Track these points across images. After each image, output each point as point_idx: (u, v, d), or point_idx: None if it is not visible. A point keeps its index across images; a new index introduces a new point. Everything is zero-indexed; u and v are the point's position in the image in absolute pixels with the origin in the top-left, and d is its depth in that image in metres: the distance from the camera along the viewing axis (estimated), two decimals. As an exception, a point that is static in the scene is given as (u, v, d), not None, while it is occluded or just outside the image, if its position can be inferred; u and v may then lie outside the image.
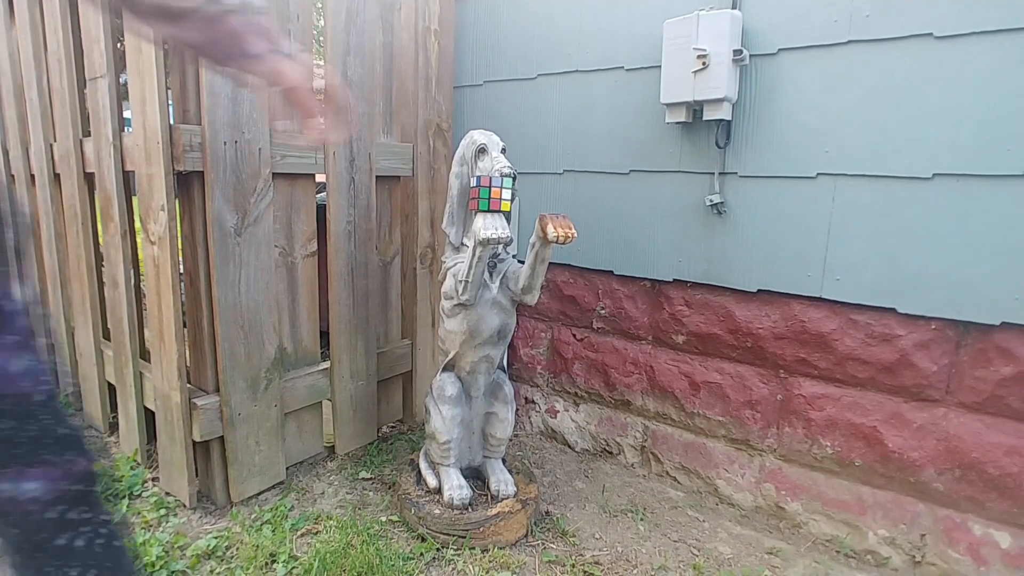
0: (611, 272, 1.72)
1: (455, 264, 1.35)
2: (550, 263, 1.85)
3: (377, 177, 1.74)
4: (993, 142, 1.17)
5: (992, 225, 1.19)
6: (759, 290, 1.48)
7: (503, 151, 1.30)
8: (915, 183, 1.26)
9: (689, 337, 1.61)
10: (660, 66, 1.50)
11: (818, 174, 1.37)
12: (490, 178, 1.19)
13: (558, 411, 1.92)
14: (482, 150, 1.28)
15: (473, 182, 1.22)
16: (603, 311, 1.77)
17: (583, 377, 1.85)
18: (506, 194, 1.19)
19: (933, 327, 1.28)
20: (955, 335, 1.27)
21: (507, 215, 1.23)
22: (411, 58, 1.82)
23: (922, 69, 1.23)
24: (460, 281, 1.25)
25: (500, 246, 1.31)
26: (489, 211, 1.18)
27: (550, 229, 1.13)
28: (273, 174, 1.48)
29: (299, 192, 1.58)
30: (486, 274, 1.33)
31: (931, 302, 1.27)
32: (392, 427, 2.00)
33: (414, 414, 2.01)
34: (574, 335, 1.85)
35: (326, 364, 1.70)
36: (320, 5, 1.57)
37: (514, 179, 1.22)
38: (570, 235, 1.13)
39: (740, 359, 1.54)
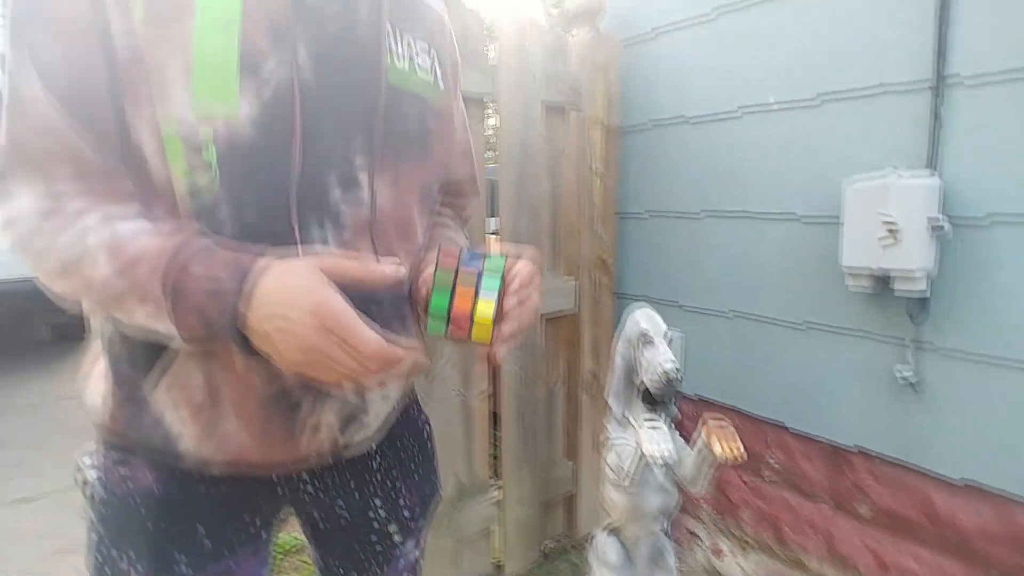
0: (783, 425, 1.64)
1: (620, 441, 1.39)
2: (714, 401, 1.81)
3: (543, 316, 1.85)
4: None
5: None
6: (965, 481, 1.31)
7: (669, 340, 1.31)
8: None
9: (876, 512, 1.47)
10: (839, 221, 1.40)
11: (1044, 363, 1.18)
12: (459, 256, 0.62)
13: (723, 552, 1.86)
14: (646, 339, 1.31)
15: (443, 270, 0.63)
16: (774, 463, 1.69)
17: (752, 525, 1.77)
18: (485, 305, 0.59)
19: None
20: None
21: (670, 417, 1.24)
22: (575, 198, 1.91)
23: None
24: (624, 473, 1.29)
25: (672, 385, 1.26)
26: (450, 334, 0.61)
27: (716, 447, 1.13)
28: (453, 333, 1.65)
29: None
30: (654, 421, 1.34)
31: None
32: (555, 541, 2.08)
33: (576, 530, 2.08)
34: (742, 479, 1.78)
35: (495, 492, 1.84)
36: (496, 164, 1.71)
37: (680, 378, 1.23)
38: (738, 456, 1.12)
39: (940, 549, 1.37)
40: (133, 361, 0.63)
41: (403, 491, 0.84)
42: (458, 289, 0.59)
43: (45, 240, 0.55)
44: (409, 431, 0.86)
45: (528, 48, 1.68)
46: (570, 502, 2.08)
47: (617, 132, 1.97)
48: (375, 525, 0.83)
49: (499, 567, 1.91)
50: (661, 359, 1.26)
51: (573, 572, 1.92)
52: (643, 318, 1.36)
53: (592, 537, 1.54)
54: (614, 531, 1.49)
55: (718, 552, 1.87)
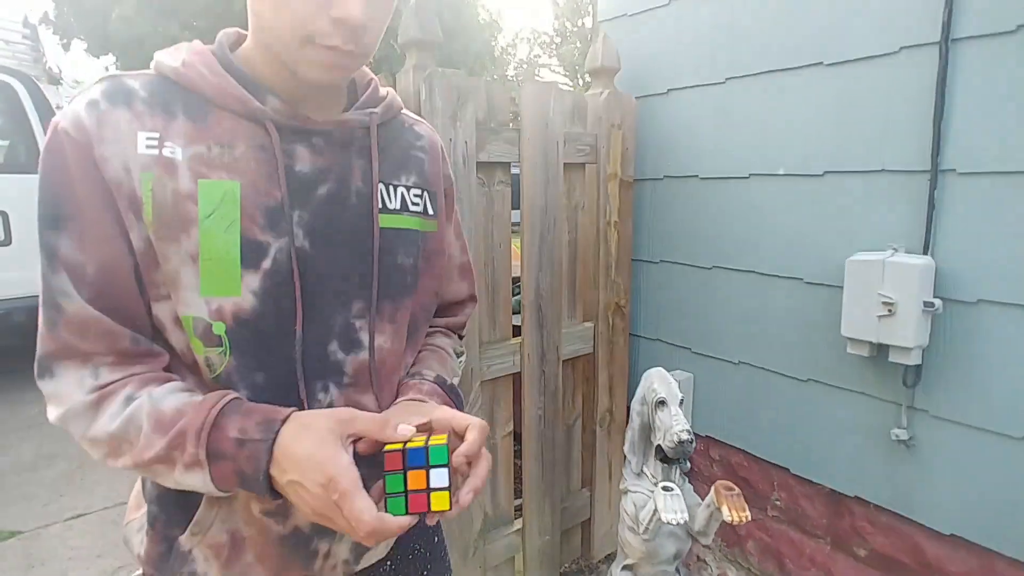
0: (787, 469, 1.77)
1: (636, 491, 1.53)
2: (722, 441, 1.94)
3: (562, 360, 1.98)
4: None
5: None
6: (952, 534, 1.43)
7: (681, 402, 1.44)
8: None
9: (872, 553, 1.61)
10: (841, 287, 1.51)
11: (1026, 434, 1.30)
12: (403, 457, 0.62)
13: (730, 579, 2.00)
14: (661, 403, 1.44)
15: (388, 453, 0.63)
16: (778, 501, 1.82)
17: (757, 557, 1.91)
18: (439, 498, 0.62)
19: None
20: None
21: (686, 472, 1.37)
22: (592, 247, 2.03)
23: None
24: (641, 526, 1.43)
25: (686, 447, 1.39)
26: (412, 509, 0.62)
27: (725, 511, 1.26)
28: (481, 382, 1.78)
29: (500, 389, 1.87)
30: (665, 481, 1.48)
31: None
32: (572, 564, 2.24)
33: (592, 554, 2.23)
34: (748, 513, 1.92)
35: (519, 523, 1.98)
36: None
37: (693, 443, 1.35)
38: (744, 519, 1.25)
39: (930, 592, 1.51)
40: (165, 509, 0.70)
41: None
42: (410, 489, 0.62)
43: (97, 424, 0.61)
44: (417, 535, 0.87)
45: (549, 115, 1.79)
46: (586, 527, 2.22)
47: (632, 184, 2.07)
48: None
49: (521, 589, 2.07)
50: (676, 427, 1.39)
51: (590, 594, 2.07)
52: (659, 382, 1.48)
53: (609, 572, 1.69)
54: (629, 568, 1.63)
55: (725, 579, 2.02)
